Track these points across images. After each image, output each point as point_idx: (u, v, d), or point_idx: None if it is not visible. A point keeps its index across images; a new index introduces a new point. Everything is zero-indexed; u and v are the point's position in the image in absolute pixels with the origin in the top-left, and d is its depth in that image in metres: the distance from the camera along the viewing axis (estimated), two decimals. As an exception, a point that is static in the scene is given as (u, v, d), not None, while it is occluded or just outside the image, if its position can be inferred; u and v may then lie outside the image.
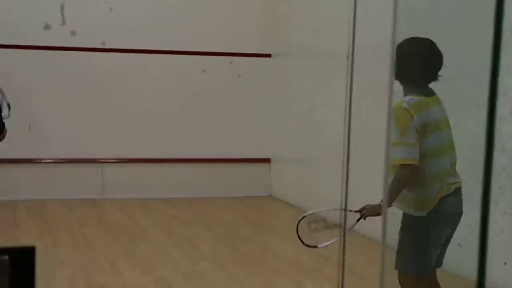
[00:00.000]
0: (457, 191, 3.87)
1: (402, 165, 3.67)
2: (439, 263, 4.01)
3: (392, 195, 3.61)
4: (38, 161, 9.56)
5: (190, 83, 9.98)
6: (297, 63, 9.59)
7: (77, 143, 9.62)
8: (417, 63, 3.81)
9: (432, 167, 3.76)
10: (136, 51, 9.81)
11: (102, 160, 9.76)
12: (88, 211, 8.95)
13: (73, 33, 9.57)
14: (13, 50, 9.36)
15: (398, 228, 3.89)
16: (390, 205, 3.67)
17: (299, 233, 3.78)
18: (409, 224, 3.85)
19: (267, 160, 10.26)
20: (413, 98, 3.79)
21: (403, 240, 3.87)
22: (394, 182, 3.67)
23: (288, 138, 9.74)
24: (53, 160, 9.63)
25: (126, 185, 9.77)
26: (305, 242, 3.79)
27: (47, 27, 9.49)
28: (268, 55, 10.23)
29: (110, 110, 9.73)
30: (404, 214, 3.88)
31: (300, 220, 3.82)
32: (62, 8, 9.52)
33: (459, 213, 3.91)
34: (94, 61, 9.63)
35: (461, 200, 3.91)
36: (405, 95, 3.86)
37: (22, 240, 7.22)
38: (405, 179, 3.69)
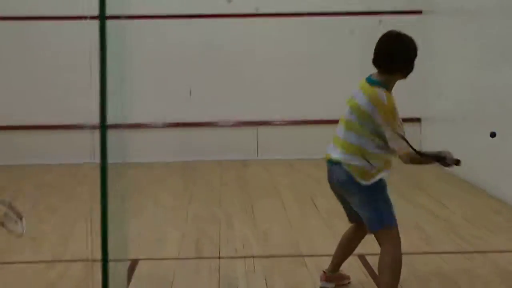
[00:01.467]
0: (330, 162, 4.44)
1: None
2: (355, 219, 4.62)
3: None
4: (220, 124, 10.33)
5: (338, 43, 10.13)
6: (449, 20, 9.30)
7: (234, 106, 10.19)
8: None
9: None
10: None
11: (257, 123, 10.25)
12: (236, 171, 9.48)
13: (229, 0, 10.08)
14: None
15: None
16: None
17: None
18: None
19: (417, 120, 10.13)
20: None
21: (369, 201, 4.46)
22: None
23: (439, 98, 9.51)
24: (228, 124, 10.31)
25: (275, 146, 10.20)
26: None
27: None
28: (419, 12, 10.01)
29: (267, 74, 10.20)
30: None
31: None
32: None
33: (333, 180, 4.47)
34: (248, 27, 10.13)
35: (334, 171, 4.41)
36: None
37: (162, 196, 7.95)
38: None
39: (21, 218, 4.37)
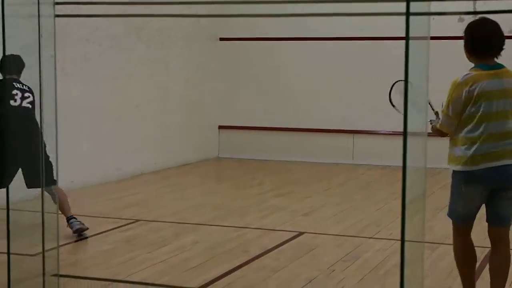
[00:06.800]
0: (496, 157, 4.46)
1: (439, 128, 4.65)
2: (491, 221, 4.67)
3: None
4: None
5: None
6: None
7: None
8: (475, 41, 4.51)
9: (475, 131, 4.47)
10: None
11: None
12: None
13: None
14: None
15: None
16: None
17: (391, 94, 4.90)
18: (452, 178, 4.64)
19: None
20: (468, 73, 4.53)
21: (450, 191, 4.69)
22: (433, 130, 4.70)
23: None
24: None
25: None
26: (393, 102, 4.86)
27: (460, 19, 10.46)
28: None
29: None
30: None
31: (395, 83, 4.84)
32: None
33: (497, 177, 4.48)
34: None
35: (503, 166, 4.46)
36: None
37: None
38: (437, 135, 4.72)
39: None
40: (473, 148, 4.47)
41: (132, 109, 10.75)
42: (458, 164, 4.54)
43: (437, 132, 4.71)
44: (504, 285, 4.64)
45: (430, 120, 4.76)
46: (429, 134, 4.41)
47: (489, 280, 4.81)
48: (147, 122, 11.05)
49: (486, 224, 4.71)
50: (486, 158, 4.47)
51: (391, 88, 4.93)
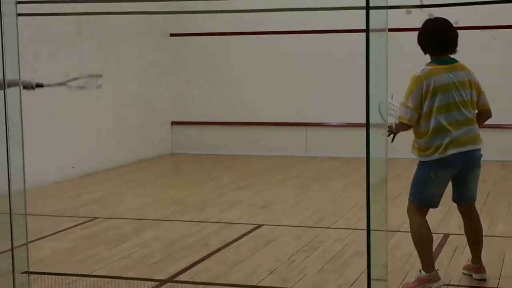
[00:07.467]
0: (460, 144, 4.80)
1: (400, 121, 4.91)
2: (461, 201, 5.09)
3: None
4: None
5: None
6: None
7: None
8: (432, 39, 4.85)
9: (437, 121, 4.77)
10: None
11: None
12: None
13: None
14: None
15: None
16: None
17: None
18: (418, 165, 4.96)
19: None
20: (425, 68, 4.85)
21: (414, 176, 4.99)
22: (397, 127, 4.96)
23: None
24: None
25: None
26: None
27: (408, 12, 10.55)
28: None
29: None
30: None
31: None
32: None
33: (464, 161, 4.83)
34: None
35: (467, 151, 4.82)
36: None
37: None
38: (400, 129, 4.97)
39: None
40: (439, 138, 4.79)
41: (85, 107, 10.69)
42: (427, 154, 4.83)
43: (401, 127, 4.93)
44: (481, 248, 5.12)
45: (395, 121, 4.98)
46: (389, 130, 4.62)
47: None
48: (100, 120, 11.00)
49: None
50: (452, 145, 4.78)
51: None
